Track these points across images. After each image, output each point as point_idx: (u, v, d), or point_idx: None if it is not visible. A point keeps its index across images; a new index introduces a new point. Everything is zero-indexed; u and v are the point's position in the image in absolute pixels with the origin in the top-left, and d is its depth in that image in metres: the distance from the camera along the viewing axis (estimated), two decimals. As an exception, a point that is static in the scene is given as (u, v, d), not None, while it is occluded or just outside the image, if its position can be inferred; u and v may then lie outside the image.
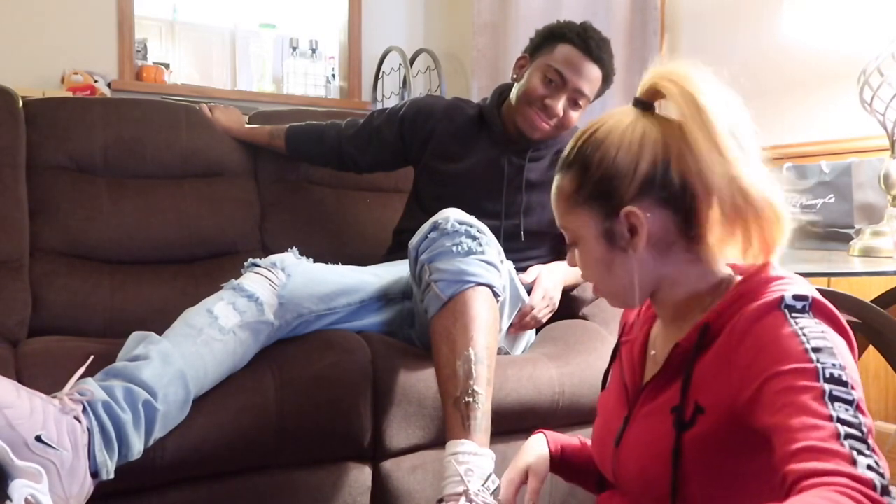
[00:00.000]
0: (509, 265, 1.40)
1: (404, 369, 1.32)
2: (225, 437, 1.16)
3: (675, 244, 0.80)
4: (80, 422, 0.98)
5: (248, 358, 1.23)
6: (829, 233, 1.73)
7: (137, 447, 1.04)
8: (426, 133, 1.67)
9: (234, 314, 1.21)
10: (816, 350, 0.66)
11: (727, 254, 0.78)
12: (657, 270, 0.81)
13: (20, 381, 0.99)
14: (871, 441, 0.61)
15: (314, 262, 1.41)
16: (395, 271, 1.49)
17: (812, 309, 0.70)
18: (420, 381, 1.32)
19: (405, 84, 3.40)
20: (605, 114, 0.85)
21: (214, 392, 1.17)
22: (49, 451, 0.93)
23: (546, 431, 1.05)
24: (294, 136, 1.81)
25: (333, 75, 3.66)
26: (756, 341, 0.70)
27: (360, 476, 1.31)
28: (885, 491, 0.57)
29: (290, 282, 1.31)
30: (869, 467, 0.58)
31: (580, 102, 1.55)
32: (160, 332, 1.16)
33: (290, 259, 1.36)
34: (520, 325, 1.50)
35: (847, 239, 1.66)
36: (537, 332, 1.62)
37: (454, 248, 1.25)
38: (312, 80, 3.63)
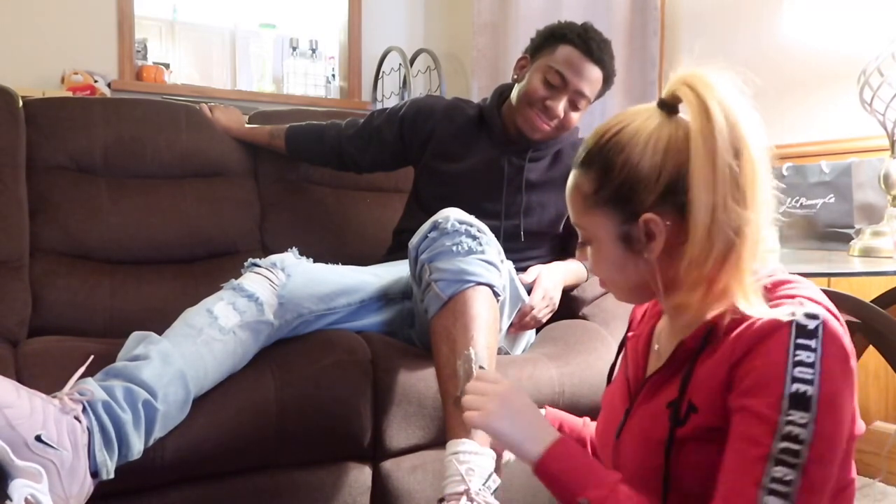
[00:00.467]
0: (509, 265, 1.40)
1: (404, 369, 1.32)
2: (225, 437, 1.16)
3: (679, 247, 0.80)
4: (80, 422, 0.98)
5: (248, 358, 1.23)
6: (829, 233, 1.73)
7: (137, 447, 1.04)
8: (426, 133, 1.67)
9: (234, 314, 1.21)
10: (794, 399, 0.68)
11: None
12: (667, 272, 0.81)
13: (20, 381, 0.99)
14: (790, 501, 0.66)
15: (314, 262, 1.41)
16: (395, 271, 1.49)
17: (825, 330, 0.70)
18: (420, 381, 1.32)
19: (405, 84, 3.40)
20: (627, 112, 0.83)
21: (214, 392, 1.17)
22: (49, 451, 0.93)
23: (549, 408, 1.08)
24: (294, 136, 1.81)
25: (333, 75, 3.66)
26: (753, 362, 0.71)
27: (360, 476, 1.31)
28: None
29: (290, 282, 1.31)
30: None
31: (581, 104, 1.55)
32: (160, 332, 1.16)
33: (290, 259, 1.36)
34: (520, 325, 1.50)
35: (847, 239, 1.66)
36: (537, 332, 1.62)
37: (454, 248, 1.25)
38: (312, 80, 3.63)
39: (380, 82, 3.48)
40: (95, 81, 2.77)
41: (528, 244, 1.63)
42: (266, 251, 1.78)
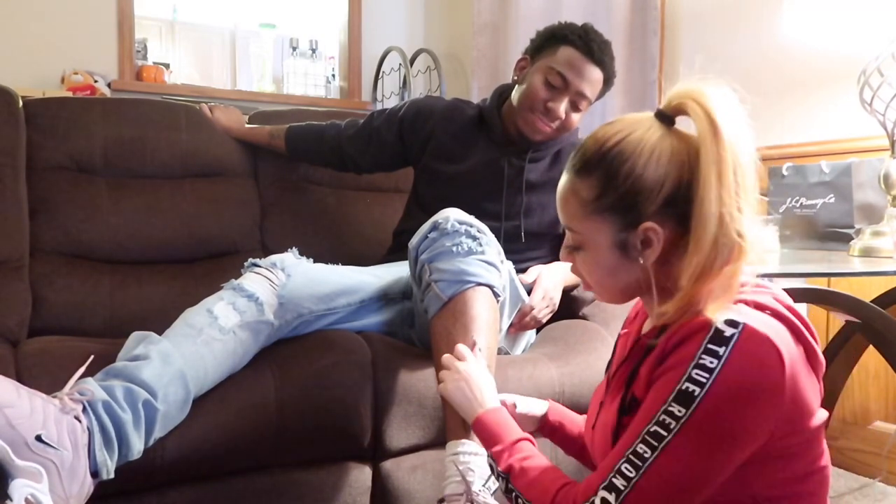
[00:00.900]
0: (509, 265, 1.40)
1: (404, 369, 1.32)
2: (225, 437, 1.16)
3: (674, 254, 0.81)
4: (80, 421, 0.98)
5: (248, 358, 1.23)
6: (829, 233, 1.73)
7: (137, 447, 1.04)
8: (426, 134, 1.67)
9: (234, 314, 1.21)
10: (680, 393, 0.73)
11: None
12: (655, 276, 0.83)
13: (20, 381, 0.99)
14: (637, 475, 0.74)
15: (314, 262, 1.41)
16: (395, 271, 1.49)
17: (741, 338, 0.72)
18: (420, 381, 1.32)
19: (405, 84, 3.39)
20: (625, 120, 0.84)
21: (214, 392, 1.17)
22: (49, 451, 0.93)
23: (553, 402, 1.11)
24: (294, 137, 1.81)
25: (333, 75, 3.66)
26: (669, 361, 0.76)
27: (360, 476, 1.31)
28: None
29: (290, 282, 1.31)
30: (606, 489, 0.74)
31: (582, 105, 1.55)
32: (160, 332, 1.16)
33: (290, 259, 1.36)
34: (520, 325, 1.50)
35: (847, 239, 1.66)
36: (537, 332, 1.62)
37: (454, 248, 1.25)
38: (312, 80, 3.63)
39: (380, 82, 3.48)
40: (95, 81, 2.77)
41: (528, 245, 1.63)
42: (266, 251, 1.78)
